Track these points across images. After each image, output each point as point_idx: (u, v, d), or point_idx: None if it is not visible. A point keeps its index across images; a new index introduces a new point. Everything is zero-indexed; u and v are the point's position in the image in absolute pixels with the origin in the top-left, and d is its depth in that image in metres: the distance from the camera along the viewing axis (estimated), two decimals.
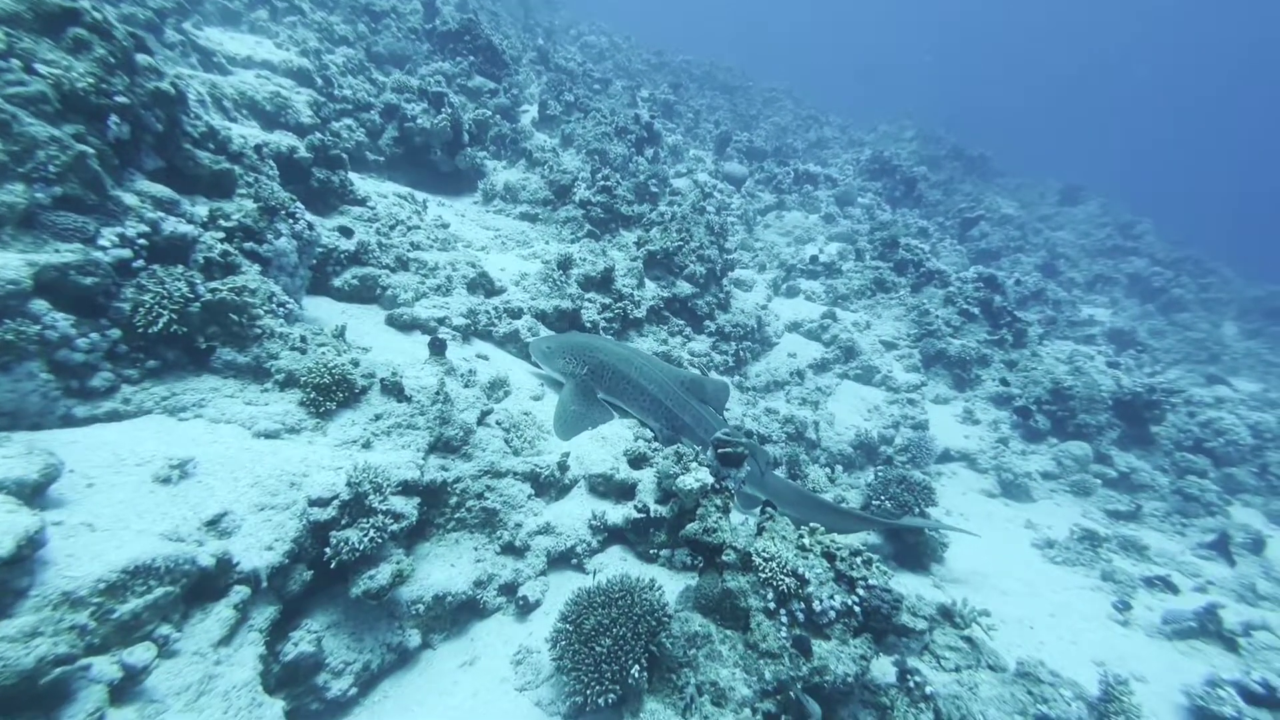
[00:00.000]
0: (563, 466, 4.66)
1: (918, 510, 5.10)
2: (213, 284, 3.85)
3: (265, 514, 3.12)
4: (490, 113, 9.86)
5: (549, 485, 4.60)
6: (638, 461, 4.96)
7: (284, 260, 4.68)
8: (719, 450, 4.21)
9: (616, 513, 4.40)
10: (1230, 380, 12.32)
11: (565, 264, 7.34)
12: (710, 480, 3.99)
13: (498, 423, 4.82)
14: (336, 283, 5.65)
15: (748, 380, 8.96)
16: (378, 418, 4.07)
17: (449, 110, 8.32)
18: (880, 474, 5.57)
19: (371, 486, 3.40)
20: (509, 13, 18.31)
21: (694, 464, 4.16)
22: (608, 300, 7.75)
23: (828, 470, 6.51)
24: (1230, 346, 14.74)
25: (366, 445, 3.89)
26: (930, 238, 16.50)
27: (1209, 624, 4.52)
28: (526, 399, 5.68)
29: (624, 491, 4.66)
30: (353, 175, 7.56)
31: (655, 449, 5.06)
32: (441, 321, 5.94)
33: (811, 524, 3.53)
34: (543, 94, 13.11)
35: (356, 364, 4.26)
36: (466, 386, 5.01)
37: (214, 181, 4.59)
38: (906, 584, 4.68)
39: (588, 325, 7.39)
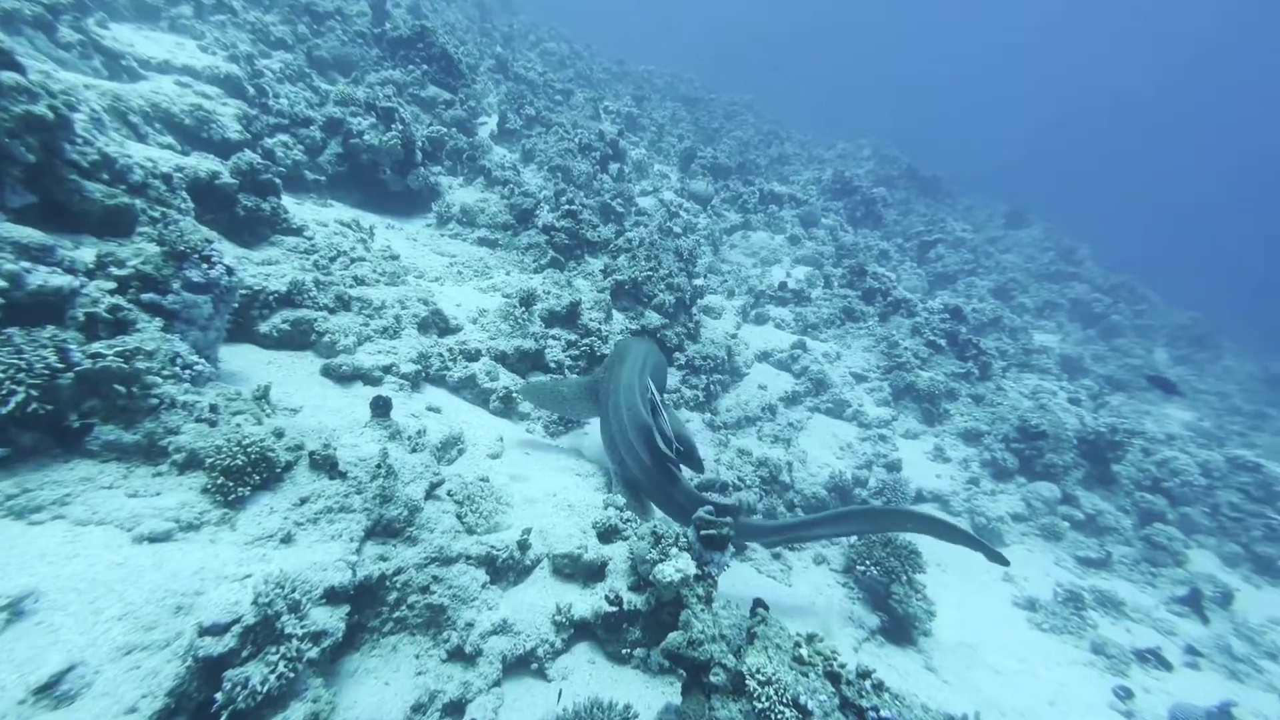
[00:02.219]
0: (523, 546, 4.12)
1: (904, 577, 4.83)
2: (94, 347, 3.15)
3: (133, 658, 2.42)
4: (446, 129, 9.20)
5: (507, 569, 4.05)
6: (608, 535, 4.47)
7: (194, 313, 3.97)
8: (701, 531, 3.80)
9: (584, 603, 3.90)
10: (1167, 409, 12.95)
11: (528, 300, 6.80)
12: (692, 570, 3.57)
13: (449, 494, 4.25)
14: (263, 328, 4.92)
15: (718, 416, 8.62)
16: (303, 501, 3.44)
17: (400, 127, 7.63)
18: (864, 536, 5.28)
19: (286, 605, 2.78)
20: (464, 15, 17.54)
21: (673, 549, 3.72)
22: (573, 336, 7.26)
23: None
24: (1163, 373, 15.57)
25: (287, 540, 3.25)
26: (891, 259, 16.76)
27: None
28: (483, 457, 5.12)
29: (593, 573, 4.16)
30: (289, 199, 6.79)
31: (628, 520, 4.59)
32: (388, 370, 5.30)
33: (809, 634, 3.14)
34: (502, 105, 12.50)
35: (280, 434, 3.62)
36: (414, 451, 4.42)
37: (107, 219, 3.85)
38: (897, 664, 4.38)
39: (551, 365, 6.88)
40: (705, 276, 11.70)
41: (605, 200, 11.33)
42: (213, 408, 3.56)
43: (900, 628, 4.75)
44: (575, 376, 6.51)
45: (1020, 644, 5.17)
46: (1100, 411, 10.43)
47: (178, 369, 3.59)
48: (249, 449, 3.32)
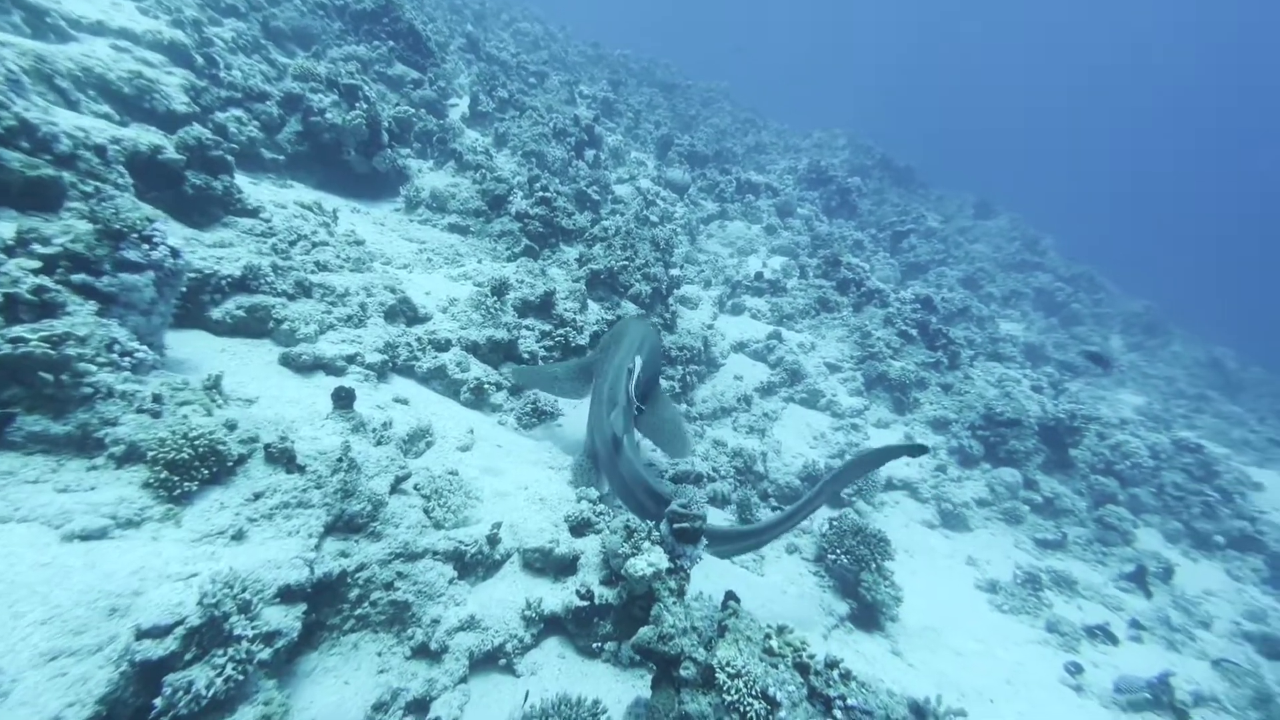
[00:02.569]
0: (493, 540, 4.04)
1: (874, 564, 4.92)
2: (15, 331, 2.93)
3: (58, 665, 2.26)
4: (413, 109, 8.86)
5: (476, 564, 3.97)
6: (581, 528, 4.42)
7: (134, 296, 3.72)
8: (674, 525, 3.78)
9: (555, 597, 3.85)
10: (1120, 394, 13.51)
11: (500, 289, 6.63)
12: (664, 564, 3.54)
13: (416, 488, 4.13)
14: (216, 314, 4.67)
15: (694, 407, 8.62)
16: (258, 496, 3.29)
17: (364, 106, 7.31)
18: (834, 524, 5.36)
19: (236, 605, 2.64)
20: None
21: (645, 543, 3.69)
22: (548, 327, 7.13)
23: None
24: (1118, 360, 16.21)
25: (238, 536, 3.10)
26: (865, 249, 16.95)
27: (1162, 695, 4.66)
28: (453, 450, 4.99)
29: (564, 567, 4.11)
30: (245, 178, 6.47)
31: (601, 513, 4.54)
32: (352, 359, 5.11)
33: (779, 624, 3.15)
34: (474, 86, 12.11)
35: (233, 426, 3.45)
36: (379, 444, 4.27)
37: (28, 192, 3.57)
38: (865, 650, 4.47)
39: (525, 356, 6.75)
40: (682, 266, 11.63)
41: (581, 188, 11.12)
42: (156, 398, 3.36)
43: (869, 614, 4.84)
44: (571, 360, 6.59)
45: (981, 625, 5.35)
46: (1060, 398, 10.79)
47: (115, 356, 3.37)
48: (196, 441, 3.14)
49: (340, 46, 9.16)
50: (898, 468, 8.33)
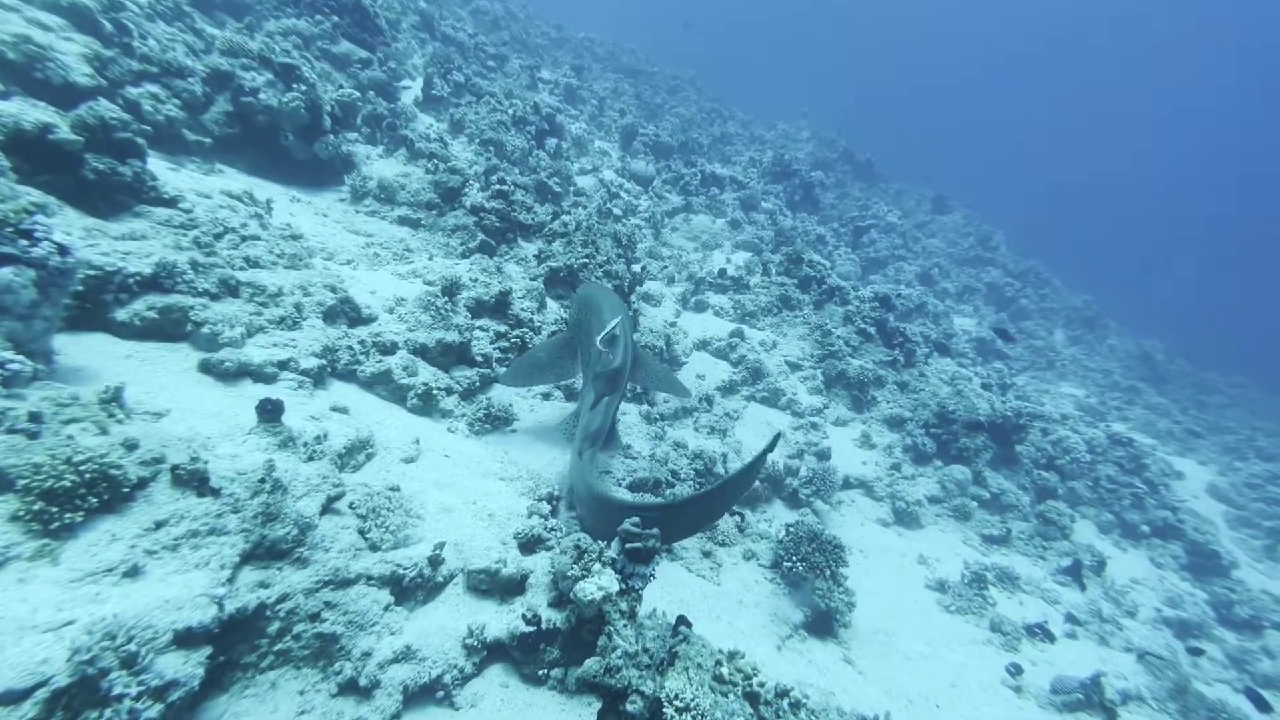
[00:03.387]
0: (435, 562, 3.82)
1: (829, 571, 4.93)
2: None
3: None
4: (358, 93, 8.32)
5: (415, 589, 3.74)
6: (531, 545, 4.25)
7: (8, 299, 3.29)
8: (626, 544, 3.65)
9: (499, 622, 3.67)
10: (1062, 387, 14.18)
11: (452, 288, 6.31)
12: (615, 587, 3.41)
13: (351, 507, 3.87)
14: (121, 316, 4.23)
15: (655, 407, 8.51)
16: (159, 525, 2.96)
17: (303, 88, 6.79)
18: (791, 530, 5.36)
19: (118, 659, 2.34)
20: None
21: (595, 564, 3.55)
22: (503, 327, 6.87)
23: (737, 519, 6.23)
24: (1061, 354, 17.03)
25: (132, 573, 2.76)
26: (827, 244, 17.15)
27: (1093, 695, 4.87)
28: (396, 463, 4.72)
29: (512, 588, 3.93)
30: (164, 162, 5.93)
31: (553, 529, 4.38)
32: (284, 365, 4.75)
33: (730, 650, 3.07)
34: (428, 68, 11.52)
35: (133, 445, 3.11)
36: (310, 460, 3.98)
37: None
38: (817, 659, 4.48)
39: (478, 359, 6.47)
40: (645, 263, 11.45)
41: (542, 179, 10.78)
42: (34, 415, 2.98)
43: (822, 621, 4.86)
44: (543, 339, 6.76)
45: (930, 627, 5.47)
46: (1008, 394, 11.20)
47: None
48: (82, 466, 2.80)
49: (278, 19, 8.50)
50: (855, 465, 8.45)
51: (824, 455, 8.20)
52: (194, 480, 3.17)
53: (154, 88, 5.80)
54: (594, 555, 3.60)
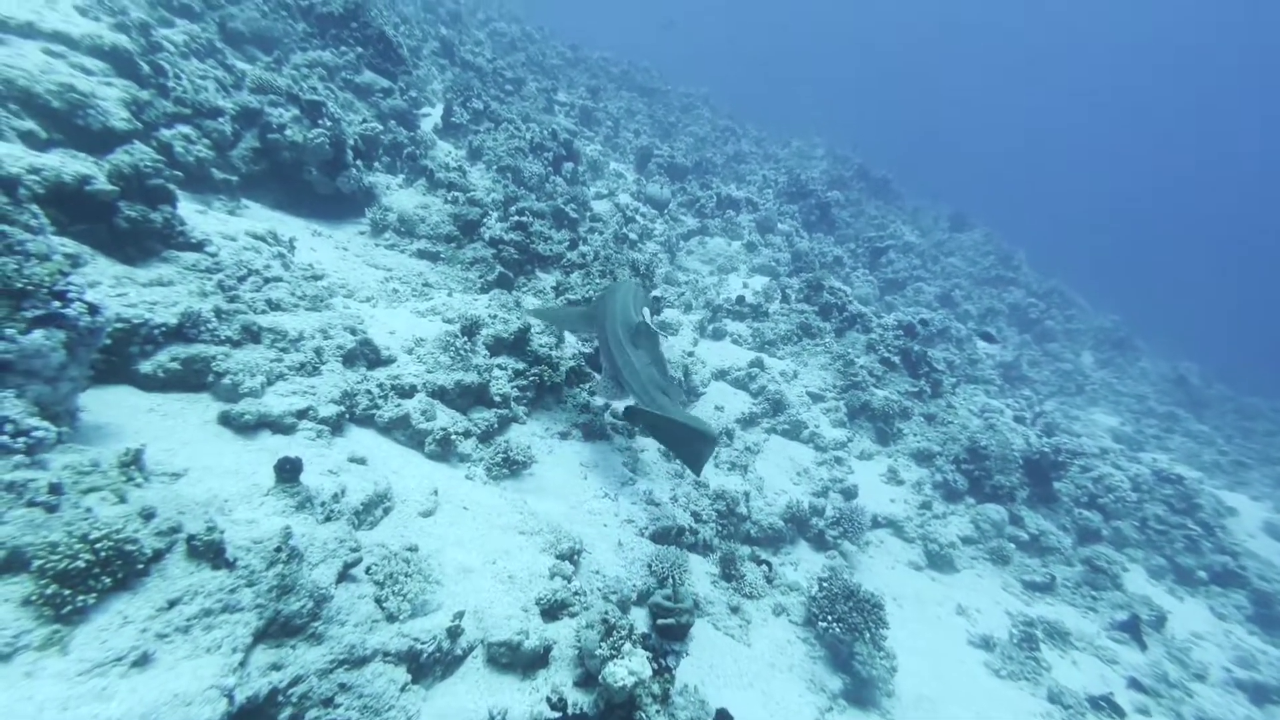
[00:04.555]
0: (454, 633, 3.64)
1: (868, 635, 4.67)
2: None
3: None
4: (380, 126, 8.33)
5: (434, 663, 3.57)
6: (554, 611, 4.06)
7: (37, 363, 3.22)
8: (658, 620, 3.45)
9: (522, 704, 3.46)
10: (1093, 414, 13.70)
11: (471, 328, 6.21)
12: (647, 672, 3.21)
13: (368, 572, 3.72)
14: (146, 368, 4.16)
15: None
16: (173, 604, 2.82)
17: (328, 124, 6.79)
18: (824, 585, 5.11)
19: None
20: None
21: (626, 644, 3.35)
22: (521, 365, 6.73)
23: (765, 569, 5.99)
24: (1090, 377, 16.51)
25: (141, 661, 2.61)
26: (845, 266, 16.92)
27: None
28: (413, 516, 4.57)
29: (534, 662, 3.74)
30: (193, 203, 5.91)
31: (577, 592, 4.19)
32: (303, 414, 4.65)
33: None
34: (447, 94, 11.58)
35: (150, 515, 3.00)
36: (327, 520, 3.85)
37: None
38: None
39: (496, 399, 6.34)
40: (662, 288, 11.32)
41: (559, 205, 10.73)
42: (54, 487, 2.88)
43: (863, 689, 4.60)
44: (571, 308, 7.69)
45: (979, 693, 5.16)
46: (1038, 422, 10.83)
47: (5, 439, 2.89)
48: (98, 544, 2.67)
49: (304, 51, 8.57)
50: (883, 503, 8.16)
51: (850, 493, 7.93)
52: (209, 552, 3.05)
53: (186, 129, 5.81)
54: (624, 633, 3.40)
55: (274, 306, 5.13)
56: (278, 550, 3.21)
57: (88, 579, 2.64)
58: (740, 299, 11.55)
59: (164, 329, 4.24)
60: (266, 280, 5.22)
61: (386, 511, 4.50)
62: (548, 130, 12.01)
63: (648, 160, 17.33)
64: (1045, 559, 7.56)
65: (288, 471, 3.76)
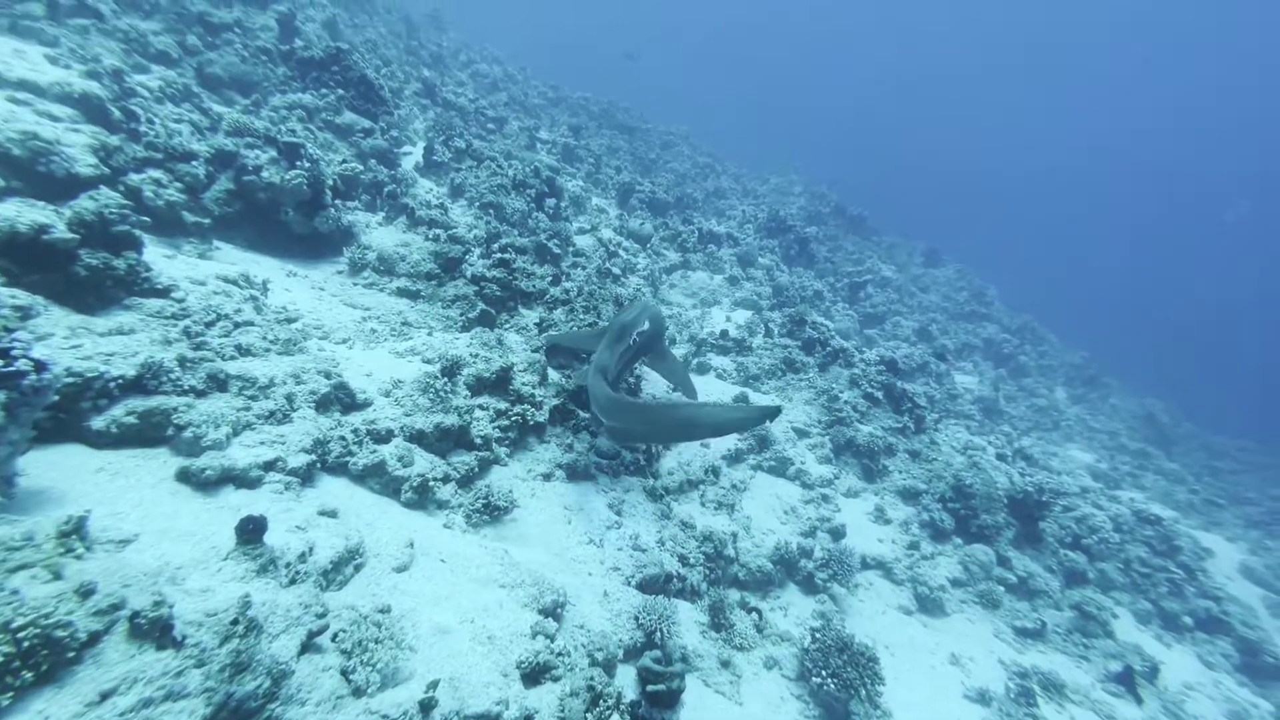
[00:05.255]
0: (427, 706, 3.38)
1: (864, 691, 4.50)
2: None
3: None
4: (360, 165, 8.30)
5: None
6: (536, 674, 3.83)
7: None
8: (647, 687, 3.26)
9: None
10: (1070, 450, 13.90)
11: (452, 369, 6.06)
12: None
13: (334, 639, 3.46)
14: (97, 424, 3.91)
15: (660, 480, 8.14)
16: (105, 697, 2.55)
17: (306, 165, 6.72)
18: (817, 636, 4.94)
19: None
20: (390, 29, 16.53)
21: (613, 715, 3.15)
22: (503, 405, 6.57)
23: (755, 616, 5.80)
24: (1065, 413, 16.84)
25: None
26: (825, 299, 17.20)
27: None
28: (387, 573, 4.32)
29: None
30: (161, 248, 5.73)
31: (560, 652, 3.96)
32: (271, 465, 4.42)
33: None
34: (429, 133, 11.66)
35: (88, 591, 2.76)
36: (292, 584, 3.60)
37: None
38: None
39: (477, 441, 6.15)
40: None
41: (541, 240, 10.75)
42: None
43: None
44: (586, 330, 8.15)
45: None
46: (1016, 459, 10.91)
47: None
48: (21, 632, 2.43)
49: (284, 94, 8.56)
50: (871, 543, 8.05)
51: (838, 533, 7.82)
52: (155, 630, 2.80)
53: (157, 173, 5.68)
54: (610, 702, 3.20)
55: (244, 352, 4.93)
56: (234, 623, 2.97)
57: (4, 676, 2.38)
58: (724, 333, 11.59)
59: (121, 381, 4.02)
60: (237, 325, 5.03)
61: (358, 568, 4.25)
62: (530, 167, 12.13)
63: (630, 196, 17.61)
64: (1034, 603, 7.49)
65: (250, 531, 3.53)
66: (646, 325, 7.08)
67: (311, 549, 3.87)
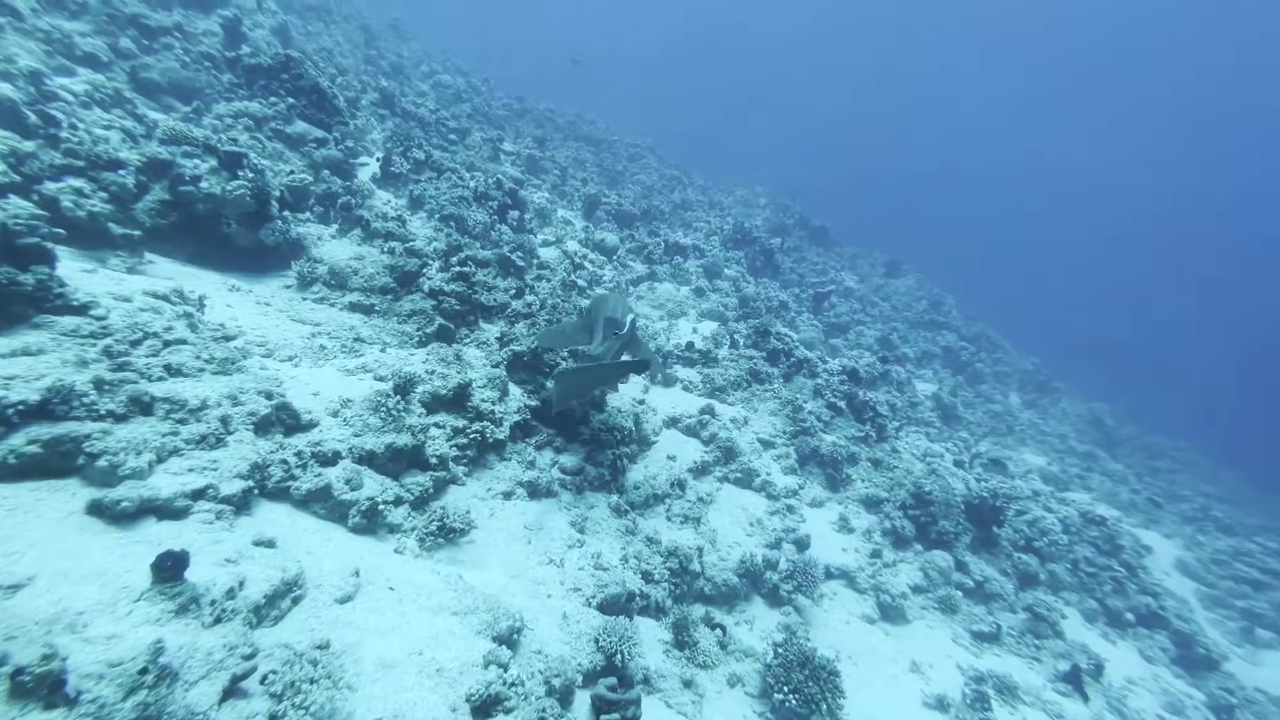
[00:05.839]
0: None
1: (825, 705, 4.46)
2: None
3: None
4: (310, 176, 8.02)
5: None
6: (487, 708, 3.65)
7: None
8: (601, 715, 3.13)
9: None
10: (1023, 453, 14.42)
11: (405, 386, 5.84)
12: None
13: (263, 681, 3.22)
14: None
15: (625, 495, 8.02)
16: None
17: (250, 175, 6.44)
18: (780, 652, 4.89)
19: None
20: (347, 37, 16.17)
21: None
22: (461, 422, 6.37)
23: (719, 633, 5.72)
24: (1019, 418, 17.49)
25: None
26: (790, 310, 17.47)
27: None
28: (329, 604, 4.08)
29: None
30: (81, 263, 5.36)
31: (513, 683, 3.80)
32: (200, 494, 4.13)
33: None
34: (387, 143, 11.40)
35: None
36: (218, 622, 3.35)
37: None
38: None
39: (432, 460, 5.93)
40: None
41: (504, 253, 10.58)
42: None
43: None
44: (570, 319, 8.35)
45: None
46: (974, 464, 11.22)
47: None
48: None
49: (230, 102, 8.22)
50: (835, 553, 8.10)
51: (803, 544, 7.83)
52: (43, 687, 2.53)
53: (79, 182, 5.32)
54: None
55: (174, 373, 4.63)
56: (142, 672, 2.72)
57: None
58: (690, 344, 11.60)
59: (22, 407, 3.69)
60: (166, 344, 4.73)
61: (296, 601, 4.00)
62: (493, 179, 11.97)
63: (596, 208, 17.59)
64: (990, 606, 7.65)
65: (169, 568, 3.26)
66: (632, 315, 7.35)
67: (242, 583, 3.62)
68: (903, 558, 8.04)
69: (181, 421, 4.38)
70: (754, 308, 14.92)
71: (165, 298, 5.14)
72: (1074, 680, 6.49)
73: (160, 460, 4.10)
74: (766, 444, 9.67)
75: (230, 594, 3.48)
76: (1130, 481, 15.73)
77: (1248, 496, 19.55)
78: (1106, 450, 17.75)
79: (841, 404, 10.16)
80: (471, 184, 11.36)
